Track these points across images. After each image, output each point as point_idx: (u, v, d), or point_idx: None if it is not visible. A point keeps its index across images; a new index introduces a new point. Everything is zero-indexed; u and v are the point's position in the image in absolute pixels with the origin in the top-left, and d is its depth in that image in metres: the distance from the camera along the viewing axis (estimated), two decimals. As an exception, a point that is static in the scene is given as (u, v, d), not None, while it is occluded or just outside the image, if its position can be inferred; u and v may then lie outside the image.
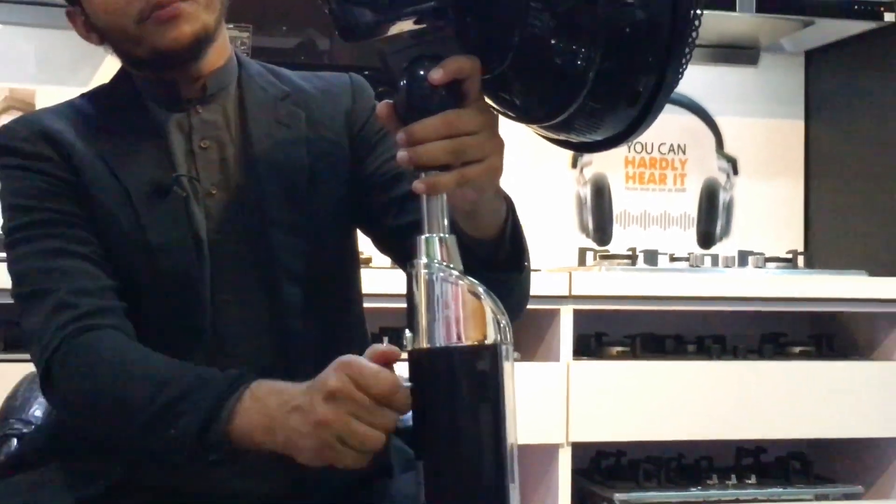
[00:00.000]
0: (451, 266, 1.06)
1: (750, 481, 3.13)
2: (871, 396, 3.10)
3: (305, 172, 1.41)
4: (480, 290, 1.05)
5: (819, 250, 3.62)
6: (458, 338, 1.03)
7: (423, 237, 1.07)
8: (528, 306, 2.90)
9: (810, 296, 3.09)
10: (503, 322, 1.05)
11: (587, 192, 3.37)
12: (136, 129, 1.40)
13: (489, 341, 1.04)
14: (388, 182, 1.41)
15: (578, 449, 2.98)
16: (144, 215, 1.35)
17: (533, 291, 2.93)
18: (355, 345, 1.40)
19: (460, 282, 1.04)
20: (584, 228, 3.35)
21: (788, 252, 3.50)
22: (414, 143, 1.06)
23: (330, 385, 1.08)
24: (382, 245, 1.48)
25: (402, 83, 1.08)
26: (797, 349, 3.22)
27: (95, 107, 1.44)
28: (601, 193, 3.38)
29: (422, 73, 1.06)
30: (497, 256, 1.22)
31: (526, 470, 3.03)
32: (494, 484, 1.05)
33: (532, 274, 2.99)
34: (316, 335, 1.38)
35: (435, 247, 1.06)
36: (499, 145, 1.12)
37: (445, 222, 1.08)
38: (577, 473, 3.03)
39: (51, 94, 3.18)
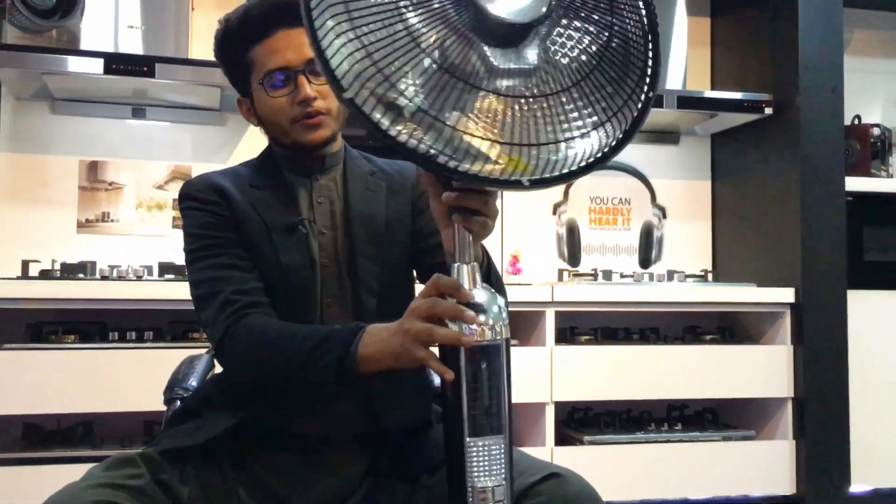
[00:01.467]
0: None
1: (677, 428, 3.13)
2: (760, 369, 3.11)
3: (384, 222, 1.40)
4: (491, 298, 1.03)
5: (722, 269, 3.63)
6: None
7: (455, 265, 1.04)
8: (524, 309, 2.95)
9: (717, 300, 3.12)
10: (500, 328, 1.02)
11: (563, 231, 3.38)
12: (276, 187, 1.39)
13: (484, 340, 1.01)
14: (430, 234, 1.39)
15: (559, 406, 2.99)
16: (279, 245, 1.34)
17: (525, 299, 3.00)
18: None
19: None
20: (561, 255, 3.35)
21: (701, 271, 3.53)
22: None
23: (411, 307, 1.07)
24: (423, 276, 1.45)
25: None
26: (708, 337, 3.23)
27: (249, 171, 1.44)
28: (573, 232, 3.37)
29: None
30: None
31: (523, 420, 3.05)
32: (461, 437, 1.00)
33: (525, 287, 3.01)
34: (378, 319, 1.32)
35: (463, 272, 1.04)
36: (493, 216, 1.07)
37: (471, 254, 1.05)
38: (559, 423, 3.04)
39: (202, 168, 3.18)
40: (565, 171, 0.93)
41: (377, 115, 0.90)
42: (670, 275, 3.40)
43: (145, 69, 2.75)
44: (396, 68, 0.88)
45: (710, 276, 3.51)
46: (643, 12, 1.01)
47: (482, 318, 1.02)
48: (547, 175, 0.92)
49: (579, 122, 0.94)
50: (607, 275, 3.36)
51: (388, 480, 1.28)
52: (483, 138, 0.90)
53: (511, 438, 1.02)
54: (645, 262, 3.44)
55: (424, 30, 0.88)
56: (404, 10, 0.88)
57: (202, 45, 3.10)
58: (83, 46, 2.85)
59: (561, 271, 3.36)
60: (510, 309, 3.15)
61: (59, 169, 3.10)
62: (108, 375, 2.58)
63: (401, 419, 1.32)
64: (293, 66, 1.32)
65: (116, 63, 2.73)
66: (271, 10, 1.32)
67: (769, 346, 3.17)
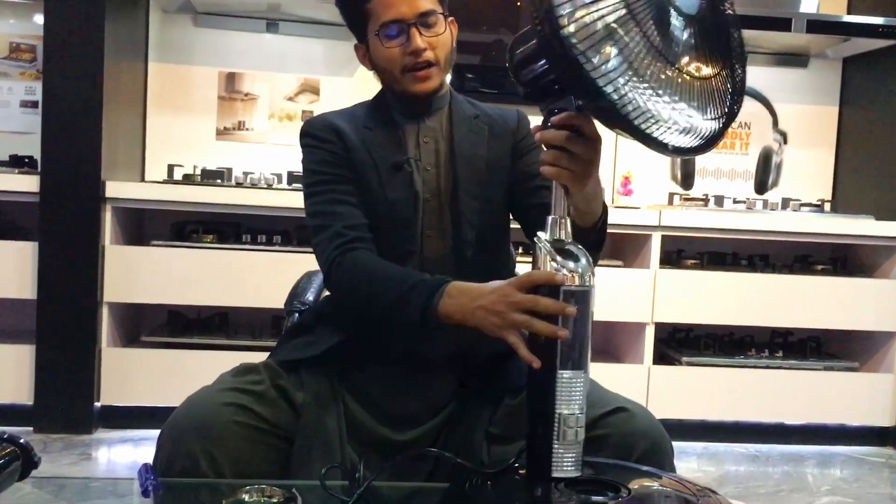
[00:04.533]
0: (558, 238, 1.09)
1: (778, 355, 3.14)
2: (870, 302, 3.06)
3: (485, 162, 1.45)
4: (576, 253, 1.09)
5: (841, 199, 3.52)
6: (570, 283, 1.07)
7: (550, 217, 1.10)
8: (631, 231, 3.00)
9: (829, 231, 3.05)
10: (587, 274, 1.08)
11: (678, 154, 3.34)
12: (386, 128, 1.46)
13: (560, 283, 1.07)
14: (530, 178, 1.45)
15: (660, 326, 3.04)
16: (386, 181, 1.41)
17: (632, 222, 3.03)
18: (503, 266, 1.50)
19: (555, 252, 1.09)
20: (674, 178, 3.33)
21: (818, 200, 3.43)
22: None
23: (510, 297, 1.15)
24: (519, 218, 1.50)
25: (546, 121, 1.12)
26: (819, 267, 3.19)
27: (363, 112, 1.49)
28: (688, 155, 3.34)
29: (549, 123, 1.11)
30: (587, 239, 1.22)
31: (624, 338, 3.13)
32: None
33: (633, 210, 3.06)
34: (481, 260, 1.42)
35: (557, 224, 1.10)
36: (588, 165, 1.12)
37: (564, 209, 1.11)
38: (659, 342, 3.10)
39: (330, 81, 3.36)
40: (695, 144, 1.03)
41: (583, 60, 0.98)
42: (785, 203, 3.33)
43: (279, -13, 2.88)
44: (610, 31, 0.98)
45: (827, 205, 3.41)
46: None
47: (572, 265, 1.09)
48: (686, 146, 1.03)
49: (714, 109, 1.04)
50: (719, 200, 3.32)
51: (474, 399, 1.36)
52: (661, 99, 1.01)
53: (588, 373, 1.10)
54: (761, 185, 3.37)
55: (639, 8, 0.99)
56: None
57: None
58: (223, -37, 2.99)
59: (672, 195, 3.34)
60: (618, 231, 3.23)
61: (200, 79, 3.30)
62: (241, 273, 2.82)
63: (489, 343, 1.42)
64: (406, 19, 1.37)
65: (253, -19, 2.86)
66: None
67: (882, 279, 3.10)
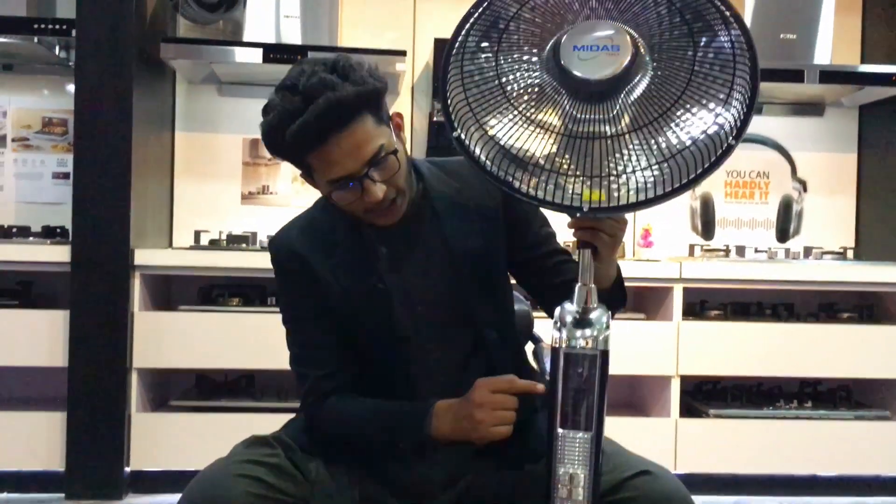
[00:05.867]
0: (584, 308, 1.12)
1: (807, 405, 3.10)
2: (898, 350, 3.04)
3: (482, 248, 1.39)
4: (593, 319, 1.12)
5: (864, 247, 3.51)
6: (574, 346, 1.11)
7: (577, 285, 1.12)
8: (651, 284, 3.00)
9: (855, 279, 3.04)
10: (600, 338, 1.11)
11: (697, 204, 3.35)
12: (353, 246, 1.38)
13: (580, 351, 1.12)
14: (548, 256, 1.42)
15: (686, 379, 3.02)
16: (360, 310, 1.37)
17: (653, 275, 3.04)
18: (512, 349, 1.49)
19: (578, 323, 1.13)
20: (694, 229, 3.33)
21: (841, 248, 3.43)
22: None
23: (476, 400, 1.25)
24: (536, 294, 1.47)
25: None
26: (845, 315, 3.16)
27: (328, 221, 1.39)
28: (707, 205, 3.34)
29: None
30: (609, 299, 1.23)
31: (649, 392, 3.12)
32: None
33: (653, 263, 3.08)
34: (496, 353, 1.41)
35: (584, 293, 1.12)
36: (619, 242, 1.19)
37: (590, 277, 1.12)
38: (685, 394, 3.07)
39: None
40: (623, 203, 1.05)
41: (473, 147, 1.09)
42: (807, 251, 3.33)
43: (299, 57, 2.95)
44: (486, 114, 1.07)
45: (850, 253, 3.40)
46: (733, 32, 1.05)
47: (588, 331, 1.12)
48: (606, 205, 1.05)
49: (646, 161, 1.04)
50: (740, 250, 3.32)
51: (494, 465, 1.35)
52: (552, 171, 1.05)
53: (600, 435, 1.11)
54: (783, 233, 3.35)
55: (516, 87, 1.03)
56: (502, 75, 1.06)
57: (351, 31, 3.33)
58: (246, 35, 3.09)
59: (692, 246, 3.36)
60: (638, 284, 3.22)
61: (225, 146, 3.40)
62: (267, 335, 2.85)
63: None
64: (356, 174, 1.26)
65: (274, 53, 2.96)
66: (321, 122, 1.22)
67: (909, 327, 3.07)
